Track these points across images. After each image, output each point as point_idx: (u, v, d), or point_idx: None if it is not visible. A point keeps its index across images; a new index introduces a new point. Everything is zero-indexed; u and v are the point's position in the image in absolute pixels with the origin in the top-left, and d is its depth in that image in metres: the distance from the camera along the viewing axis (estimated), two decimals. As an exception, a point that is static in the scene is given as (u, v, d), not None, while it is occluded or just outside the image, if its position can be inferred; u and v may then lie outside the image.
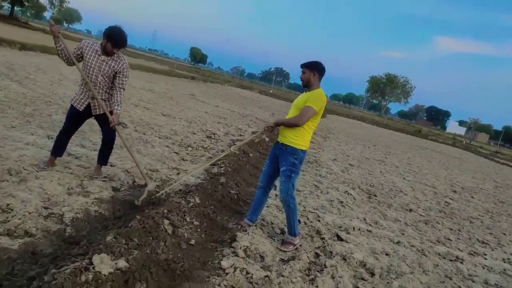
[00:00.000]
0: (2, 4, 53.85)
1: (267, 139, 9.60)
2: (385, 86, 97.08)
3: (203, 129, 8.94)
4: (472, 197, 9.32)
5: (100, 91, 3.94)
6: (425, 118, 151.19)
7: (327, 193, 6.03)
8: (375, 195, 6.74)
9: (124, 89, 4.00)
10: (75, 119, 4.07)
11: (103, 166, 4.33)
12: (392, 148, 17.81)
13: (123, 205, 3.59)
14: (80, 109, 3.96)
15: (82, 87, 3.94)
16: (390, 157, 13.47)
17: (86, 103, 3.95)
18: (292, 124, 3.55)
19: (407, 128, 49.63)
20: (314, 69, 3.56)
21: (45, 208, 3.05)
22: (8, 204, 2.93)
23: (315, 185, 6.35)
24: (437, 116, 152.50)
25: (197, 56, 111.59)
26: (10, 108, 6.05)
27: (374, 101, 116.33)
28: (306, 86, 3.64)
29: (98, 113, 4.01)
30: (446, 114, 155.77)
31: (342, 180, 7.23)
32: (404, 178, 9.47)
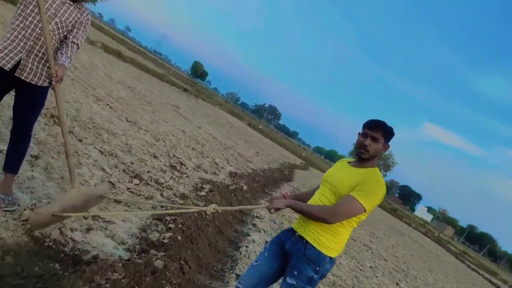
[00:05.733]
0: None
1: (245, 187, 7.59)
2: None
3: (169, 154, 6.86)
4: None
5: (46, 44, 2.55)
6: (397, 195, 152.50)
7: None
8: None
9: (79, 47, 2.76)
10: None
11: (15, 177, 2.80)
12: (374, 227, 16.03)
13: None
14: (6, 67, 2.50)
15: (16, 32, 2.53)
16: (375, 242, 11.59)
17: (17, 58, 2.52)
18: (317, 218, 2.13)
19: (383, 204, 48.47)
20: (390, 140, 2.25)
21: None
22: None
23: None
24: (408, 197, 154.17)
25: (198, 71, 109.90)
26: None
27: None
28: (366, 159, 2.22)
29: (27, 80, 2.57)
30: (417, 197, 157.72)
31: (331, 280, 5.21)
32: (397, 284, 7.54)
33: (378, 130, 2.17)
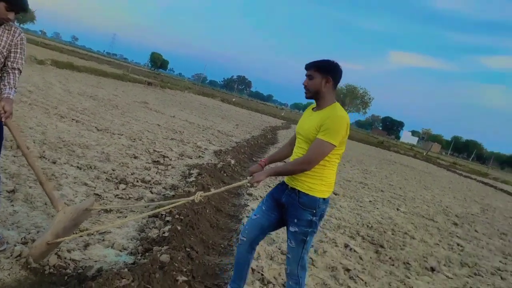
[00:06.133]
0: None
1: (232, 161, 7.62)
2: (345, 97, 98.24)
3: (149, 150, 6.80)
4: (475, 231, 7.90)
5: None
6: (380, 128, 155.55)
7: (324, 252, 4.15)
8: (382, 246, 4.97)
9: (21, 71, 2.62)
10: None
11: None
12: (366, 164, 16.44)
13: None
14: None
15: None
16: (370, 178, 11.94)
17: None
18: (297, 172, 2.31)
19: (369, 139, 49.47)
20: (329, 72, 2.29)
21: None
22: None
23: (305, 238, 4.45)
24: (391, 126, 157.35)
25: (158, 62, 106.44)
26: None
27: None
28: (313, 97, 2.37)
29: None
30: (400, 125, 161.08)
31: (335, 224, 5.39)
32: (398, 209, 7.84)
33: (309, 68, 2.31)
